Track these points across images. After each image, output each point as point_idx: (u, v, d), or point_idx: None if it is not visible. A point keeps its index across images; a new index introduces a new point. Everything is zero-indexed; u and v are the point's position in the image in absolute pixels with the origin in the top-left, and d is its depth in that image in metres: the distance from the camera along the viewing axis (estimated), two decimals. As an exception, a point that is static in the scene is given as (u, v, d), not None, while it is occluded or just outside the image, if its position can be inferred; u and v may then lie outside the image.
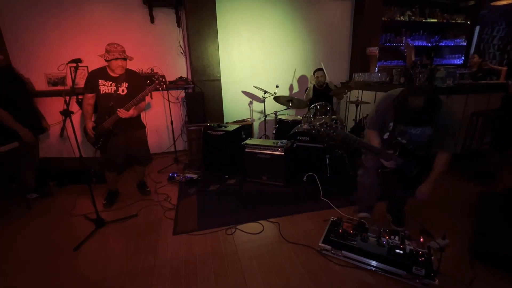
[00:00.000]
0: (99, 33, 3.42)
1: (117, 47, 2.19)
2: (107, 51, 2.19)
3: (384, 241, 1.71)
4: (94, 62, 2.32)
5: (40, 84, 3.41)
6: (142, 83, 2.41)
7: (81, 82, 3.22)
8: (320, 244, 1.80)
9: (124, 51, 2.24)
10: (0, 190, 2.78)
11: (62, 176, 3.05)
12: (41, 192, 2.76)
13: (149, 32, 3.61)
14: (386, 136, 1.83)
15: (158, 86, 2.25)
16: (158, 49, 3.71)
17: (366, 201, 2.11)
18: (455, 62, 5.18)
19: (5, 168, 2.57)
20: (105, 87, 2.29)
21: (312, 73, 3.71)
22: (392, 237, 1.73)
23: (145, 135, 2.62)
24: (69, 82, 3.48)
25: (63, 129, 1.95)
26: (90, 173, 3.00)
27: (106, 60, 2.22)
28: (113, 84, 2.30)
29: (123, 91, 2.33)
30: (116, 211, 2.46)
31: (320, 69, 3.66)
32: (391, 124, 1.78)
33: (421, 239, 1.70)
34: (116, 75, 2.31)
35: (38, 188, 2.75)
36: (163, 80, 2.26)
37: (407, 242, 1.68)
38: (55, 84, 3.46)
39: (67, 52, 3.36)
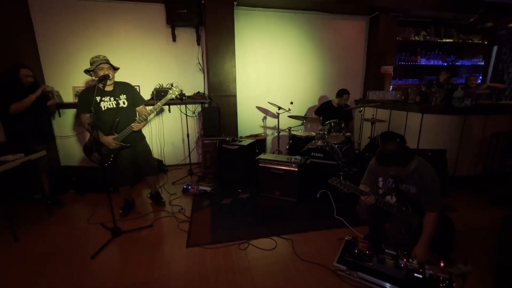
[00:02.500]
0: (125, 51, 3.65)
1: (99, 56, 2.23)
2: (91, 64, 2.21)
3: (402, 264, 1.66)
4: (119, 78, 2.46)
5: (67, 97, 3.63)
6: (137, 92, 2.53)
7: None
8: (335, 264, 1.76)
9: (108, 60, 2.26)
10: (24, 198, 2.91)
11: (81, 184, 3.17)
12: (54, 200, 2.84)
13: (171, 50, 3.82)
14: (380, 192, 1.95)
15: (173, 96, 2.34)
16: (178, 66, 3.90)
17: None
18: (473, 82, 5.10)
19: (29, 176, 2.70)
20: (105, 102, 2.29)
21: (338, 95, 3.74)
22: (411, 260, 1.68)
23: (148, 145, 2.67)
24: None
25: (90, 139, 2.07)
26: (108, 182, 3.09)
27: (91, 71, 2.23)
28: (111, 98, 2.32)
29: (124, 103, 2.36)
30: (131, 221, 2.52)
31: (347, 92, 3.68)
32: (380, 179, 1.93)
33: (442, 264, 1.63)
34: (110, 89, 2.33)
35: (52, 196, 2.83)
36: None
37: (426, 266, 1.62)
38: (81, 96, 3.67)
39: (95, 67, 3.60)
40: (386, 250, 1.79)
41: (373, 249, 1.81)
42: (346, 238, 1.97)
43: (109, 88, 2.33)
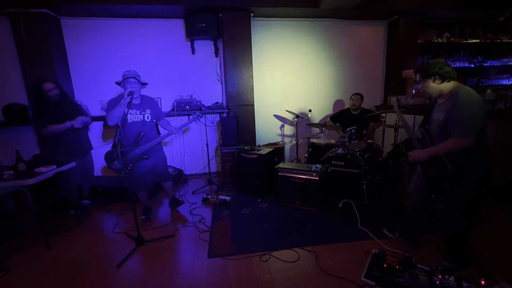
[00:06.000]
0: (147, 64, 3.82)
1: (129, 71, 2.37)
2: (122, 76, 2.37)
3: (437, 281, 1.54)
4: (143, 91, 2.57)
5: (94, 110, 3.84)
6: (159, 107, 2.69)
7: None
8: (362, 278, 1.67)
9: (138, 75, 2.39)
10: (54, 208, 3.05)
11: (106, 193, 3.28)
12: (83, 209, 2.97)
13: (190, 62, 3.95)
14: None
15: (195, 121, 2.56)
16: (197, 77, 4.01)
17: (410, 234, 2.09)
18: (504, 83, 4.80)
19: (61, 186, 2.85)
20: (132, 115, 2.41)
21: (349, 97, 3.71)
22: (446, 276, 1.55)
23: (165, 155, 2.83)
24: (119, 108, 3.88)
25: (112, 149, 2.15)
26: (132, 192, 3.19)
27: (118, 83, 2.39)
28: (137, 112, 2.44)
29: (147, 117, 2.49)
30: (154, 230, 2.57)
31: (359, 94, 3.66)
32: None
33: (482, 282, 1.50)
34: (137, 102, 2.46)
35: (80, 205, 2.96)
36: (201, 115, 2.58)
37: (465, 284, 1.49)
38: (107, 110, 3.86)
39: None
40: (418, 265, 1.68)
41: (403, 264, 1.70)
42: (373, 251, 1.87)
43: (136, 101, 2.45)
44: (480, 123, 1.58)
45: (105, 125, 3.88)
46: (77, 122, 2.73)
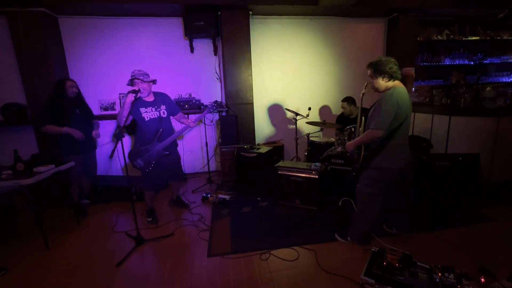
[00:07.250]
0: (146, 63, 3.79)
1: (134, 71, 2.35)
2: (131, 76, 2.37)
3: (437, 279, 1.54)
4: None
5: (93, 109, 3.80)
6: (173, 102, 2.71)
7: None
8: (362, 277, 1.67)
9: (147, 75, 2.38)
10: (54, 207, 3.06)
11: (106, 193, 3.27)
12: (80, 209, 2.94)
13: (189, 61, 3.93)
14: None
15: (211, 111, 2.70)
16: (196, 76, 4.00)
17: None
18: (504, 80, 4.78)
19: (61, 184, 2.85)
20: (148, 113, 2.45)
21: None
22: (446, 274, 1.55)
23: (179, 152, 2.86)
24: (117, 107, 3.87)
25: (113, 150, 2.13)
26: (131, 191, 3.18)
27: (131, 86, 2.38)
28: (153, 109, 2.47)
29: (163, 113, 2.53)
30: (153, 229, 2.56)
31: (346, 100, 3.54)
32: None
33: (482, 280, 1.50)
34: (151, 100, 2.48)
35: (78, 205, 2.95)
36: (215, 106, 2.67)
37: (465, 281, 1.49)
38: (106, 109, 3.85)
39: (118, 81, 3.77)
40: (418, 263, 1.68)
41: (403, 262, 1.70)
42: (373, 249, 1.87)
43: (149, 98, 2.47)
44: (392, 120, 1.80)
45: (104, 125, 3.85)
46: (76, 134, 2.68)
